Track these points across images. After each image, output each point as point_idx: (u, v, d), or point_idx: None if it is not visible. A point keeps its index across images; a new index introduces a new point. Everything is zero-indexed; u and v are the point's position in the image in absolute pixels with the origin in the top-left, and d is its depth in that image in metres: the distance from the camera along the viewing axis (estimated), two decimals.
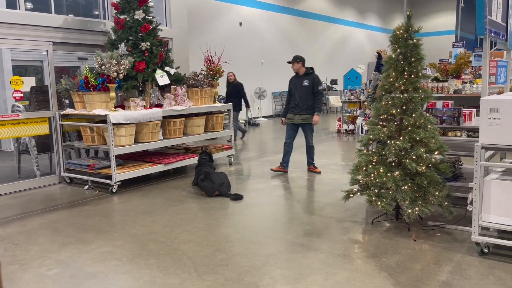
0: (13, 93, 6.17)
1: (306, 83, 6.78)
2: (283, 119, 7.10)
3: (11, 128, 6.12)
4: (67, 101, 6.89)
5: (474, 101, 5.10)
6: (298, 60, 6.86)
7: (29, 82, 6.50)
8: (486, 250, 3.63)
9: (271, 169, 7.15)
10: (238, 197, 5.56)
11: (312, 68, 6.98)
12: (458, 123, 4.43)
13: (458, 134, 5.07)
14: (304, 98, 6.77)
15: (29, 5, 7.42)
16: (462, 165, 5.09)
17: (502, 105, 3.45)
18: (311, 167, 7.13)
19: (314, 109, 6.81)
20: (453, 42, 15.82)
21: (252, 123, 15.10)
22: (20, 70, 9.94)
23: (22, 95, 6.24)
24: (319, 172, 7.00)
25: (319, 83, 6.87)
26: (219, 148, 7.89)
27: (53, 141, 6.65)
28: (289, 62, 6.97)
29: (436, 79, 7.18)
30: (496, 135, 3.49)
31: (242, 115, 15.57)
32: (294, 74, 6.96)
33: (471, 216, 3.64)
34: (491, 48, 6.76)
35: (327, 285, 3.17)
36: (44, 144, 6.84)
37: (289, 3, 18.69)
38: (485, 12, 3.80)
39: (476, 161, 3.56)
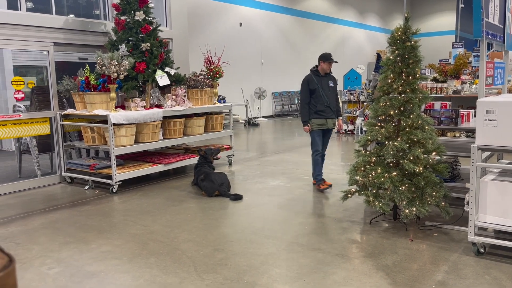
0: (14, 94, 6.21)
1: (331, 84, 6.04)
2: (309, 125, 5.96)
3: (13, 128, 6.16)
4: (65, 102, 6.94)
5: (473, 102, 5.13)
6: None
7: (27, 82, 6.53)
8: (482, 250, 3.67)
9: (319, 189, 5.95)
10: (237, 197, 5.60)
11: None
12: (455, 124, 4.47)
13: (457, 134, 5.10)
14: (333, 100, 6.01)
15: (30, 5, 7.45)
16: (460, 165, 5.13)
17: (498, 106, 3.48)
18: (325, 183, 6.03)
19: (339, 113, 6.17)
20: (452, 43, 15.83)
21: (252, 123, 15.15)
22: (21, 70, 9.98)
23: (23, 95, 6.28)
24: (324, 189, 5.97)
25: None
26: (218, 148, 7.92)
27: (54, 141, 6.69)
28: (334, 61, 6.00)
29: (435, 80, 7.22)
30: (492, 136, 3.53)
31: (243, 115, 15.66)
32: (312, 73, 6.04)
33: (468, 216, 3.68)
34: (489, 49, 6.79)
35: (324, 284, 3.21)
36: (45, 144, 6.89)
37: (289, 3, 18.73)
38: (481, 14, 3.83)
39: (473, 162, 3.59)
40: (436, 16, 28.24)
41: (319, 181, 6.02)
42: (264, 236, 4.24)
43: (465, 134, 5.12)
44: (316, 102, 5.95)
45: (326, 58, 5.97)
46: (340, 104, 5.89)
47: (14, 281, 0.57)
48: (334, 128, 6.14)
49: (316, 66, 6.09)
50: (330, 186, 6.01)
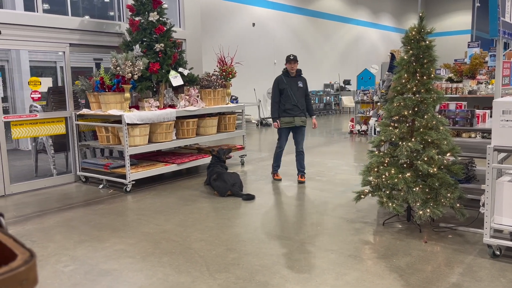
0: (31, 94, 6.33)
1: (300, 84, 6.45)
2: (278, 121, 6.41)
3: (29, 128, 6.27)
4: (83, 101, 7.03)
5: (489, 102, 5.06)
6: (297, 60, 6.50)
7: (46, 83, 6.64)
8: (498, 253, 3.61)
9: (275, 178, 6.68)
10: (250, 197, 5.61)
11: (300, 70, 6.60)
12: (471, 125, 4.41)
13: (473, 135, 5.03)
14: (301, 99, 6.43)
15: (46, 7, 7.57)
16: (475, 167, 5.06)
17: None
18: (302, 177, 6.54)
19: (311, 112, 6.62)
20: (468, 42, 15.61)
21: (264, 123, 15.15)
22: (37, 71, 10.15)
23: (39, 95, 6.39)
24: (304, 182, 6.49)
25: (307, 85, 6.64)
26: (230, 147, 7.94)
27: (69, 140, 6.79)
28: (294, 61, 6.37)
29: (450, 80, 7.13)
30: (509, 137, 3.47)
31: (255, 115, 15.68)
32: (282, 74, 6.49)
33: (483, 218, 3.63)
34: (505, 49, 6.68)
35: (337, 285, 3.20)
36: (60, 143, 6.99)
37: (302, 3, 18.68)
38: (498, 13, 3.78)
39: (488, 163, 3.54)
40: (452, 15, 27.88)
41: (275, 172, 6.76)
42: (276, 236, 4.24)
43: (481, 135, 5.05)
44: (284, 101, 6.40)
45: (286, 59, 6.47)
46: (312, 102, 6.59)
47: (35, 276, 0.58)
48: (303, 126, 6.50)
49: (286, 67, 6.53)
50: (280, 179, 6.70)
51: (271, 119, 15.82)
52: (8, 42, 6.05)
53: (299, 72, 6.51)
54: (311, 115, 6.62)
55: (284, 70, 6.52)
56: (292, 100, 6.36)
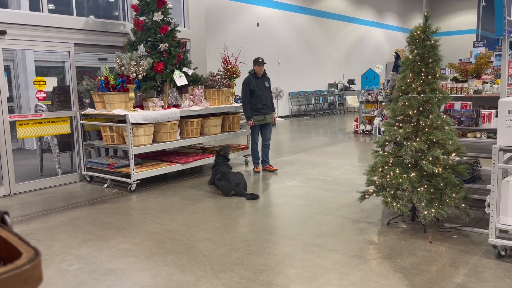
0: (36, 93, 6.36)
1: (267, 84, 7.15)
2: (252, 120, 7.03)
3: (35, 128, 6.30)
4: (87, 101, 7.06)
5: (494, 102, 5.03)
6: (265, 62, 7.13)
7: (51, 83, 6.68)
8: (504, 253, 3.59)
9: (255, 171, 7.27)
10: (254, 197, 5.61)
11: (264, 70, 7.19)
12: (476, 125, 4.39)
13: (478, 135, 5.01)
14: (269, 98, 7.15)
15: (51, 7, 7.61)
16: (480, 167, 5.03)
17: None
18: (268, 166, 7.30)
19: (273, 109, 7.26)
20: (473, 42, 15.52)
21: None
22: (42, 70, 10.20)
23: (45, 95, 6.42)
24: (275, 170, 7.22)
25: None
26: (235, 148, 7.95)
27: (74, 140, 6.82)
28: (262, 63, 7.03)
29: (455, 80, 7.10)
30: None
31: None
32: (249, 75, 7.09)
33: (489, 218, 3.61)
34: (511, 48, 6.64)
35: (341, 285, 3.19)
36: (65, 143, 7.02)
37: (306, 3, 18.66)
38: (503, 12, 3.75)
39: (494, 163, 3.52)
40: (457, 14, 27.75)
41: (256, 165, 7.32)
42: (280, 236, 4.24)
43: (486, 135, 5.02)
44: (255, 101, 7.03)
45: (255, 61, 7.06)
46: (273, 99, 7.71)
47: (40, 274, 0.59)
48: (271, 122, 7.24)
49: (253, 69, 7.09)
50: (259, 172, 7.24)
51: (280, 119, 15.78)
52: (14, 42, 6.09)
53: (264, 72, 7.19)
54: (273, 111, 7.31)
55: (251, 71, 7.11)
56: (262, 100, 7.07)
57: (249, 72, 7.14)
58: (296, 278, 3.32)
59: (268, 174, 7.11)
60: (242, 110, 8.24)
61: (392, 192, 4.23)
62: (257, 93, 7.00)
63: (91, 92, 6.64)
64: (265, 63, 7.10)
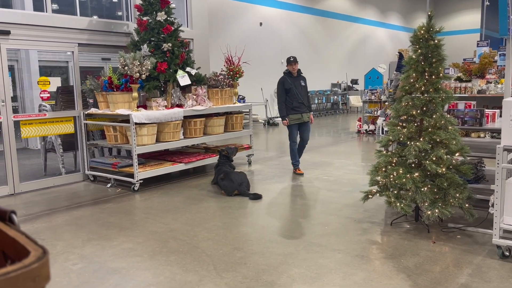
0: (40, 93, 6.38)
1: (303, 83, 7.04)
2: (287, 119, 6.91)
3: (38, 127, 6.33)
4: (91, 101, 7.08)
5: (498, 102, 5.02)
6: (297, 61, 7.04)
7: (55, 83, 6.70)
8: (508, 253, 3.58)
9: (296, 173, 7.08)
10: (257, 197, 5.61)
11: (300, 70, 7.14)
12: (480, 124, 4.37)
13: (482, 135, 4.99)
14: (305, 97, 7.02)
15: (55, 7, 7.64)
16: (484, 167, 5.01)
17: None
18: (299, 170, 7.11)
19: (310, 108, 7.14)
20: (477, 41, 15.46)
21: (271, 123, 15.15)
22: (46, 70, 10.23)
23: (48, 95, 6.44)
24: (302, 174, 7.02)
25: None
26: (238, 147, 7.95)
27: (78, 139, 6.84)
28: (294, 62, 6.89)
29: (459, 79, 7.08)
30: None
31: (262, 115, 15.68)
32: (285, 74, 7.01)
33: (493, 218, 3.60)
34: None
35: (344, 285, 3.19)
36: (69, 142, 7.05)
37: (309, 3, 18.64)
38: (508, 12, 3.74)
39: (498, 163, 3.51)
40: (460, 14, 27.65)
41: (296, 167, 7.15)
42: (283, 236, 4.24)
43: (490, 135, 5.00)
44: (291, 100, 6.91)
45: (287, 61, 7.00)
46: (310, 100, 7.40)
47: (48, 272, 0.59)
48: (309, 121, 7.06)
49: (287, 69, 7.04)
50: (302, 174, 7.01)
51: (279, 118, 15.85)
52: (18, 42, 6.11)
53: (299, 72, 7.05)
54: (310, 111, 7.14)
55: (286, 71, 7.03)
56: (298, 98, 6.90)
57: (284, 72, 7.06)
58: (299, 278, 3.32)
59: (267, 172, 7.11)
60: (245, 110, 8.27)
61: (395, 192, 4.22)
62: (293, 92, 6.86)
63: (94, 92, 6.66)
64: (297, 62, 6.97)
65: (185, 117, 6.78)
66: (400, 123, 4.30)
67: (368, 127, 11.90)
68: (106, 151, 7.68)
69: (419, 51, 4.14)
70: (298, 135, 7.09)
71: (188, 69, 6.97)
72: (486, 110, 4.52)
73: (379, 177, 4.35)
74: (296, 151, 7.12)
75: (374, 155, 4.58)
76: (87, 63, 9.03)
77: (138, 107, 6.35)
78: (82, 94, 6.85)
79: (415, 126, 4.20)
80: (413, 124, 4.20)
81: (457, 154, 4.12)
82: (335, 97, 19.85)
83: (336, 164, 7.86)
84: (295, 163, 7.15)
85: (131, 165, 6.19)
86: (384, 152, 4.45)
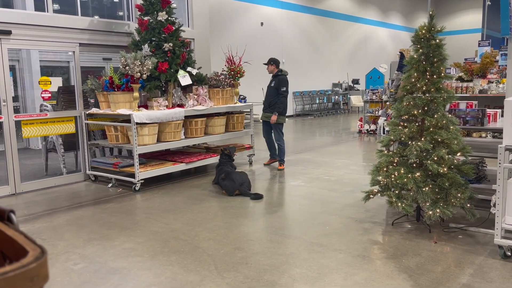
0: (41, 93, 6.38)
1: (272, 83, 7.36)
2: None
3: (40, 127, 6.33)
4: (92, 100, 7.09)
5: (500, 101, 5.00)
6: (271, 62, 7.34)
7: (56, 82, 6.70)
8: (509, 253, 3.57)
9: (264, 164, 7.72)
10: (258, 197, 5.61)
11: (281, 71, 7.39)
12: (482, 124, 4.36)
13: (483, 135, 4.98)
14: (268, 97, 7.37)
15: (56, 7, 7.64)
16: (486, 166, 5.00)
17: None
18: (272, 161, 7.71)
19: (274, 108, 7.27)
20: (479, 41, 15.44)
21: None
22: (47, 70, 10.24)
23: (50, 95, 6.44)
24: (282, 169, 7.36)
25: (283, 85, 7.30)
26: (239, 147, 7.95)
27: (79, 139, 6.84)
28: (267, 63, 7.39)
29: (460, 79, 7.07)
30: None
31: None
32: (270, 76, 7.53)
33: (494, 218, 3.59)
34: None
35: (345, 285, 3.19)
36: (70, 142, 7.05)
37: (310, 3, 18.63)
38: (509, 11, 3.73)
39: (500, 163, 3.50)
40: (462, 13, 27.63)
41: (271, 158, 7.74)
42: (285, 236, 4.23)
43: (492, 135, 4.99)
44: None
45: (277, 64, 7.50)
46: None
47: (46, 272, 0.59)
48: (264, 120, 7.53)
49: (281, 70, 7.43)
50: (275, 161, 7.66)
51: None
52: (19, 42, 6.11)
53: (277, 73, 7.44)
54: (270, 112, 7.41)
55: (285, 71, 7.48)
56: (266, 98, 7.56)
57: (283, 72, 7.47)
58: (301, 278, 3.31)
59: (268, 172, 7.11)
60: (246, 110, 8.26)
61: (396, 192, 4.21)
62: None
63: (95, 92, 6.66)
64: (272, 64, 7.39)
65: (186, 117, 6.78)
66: (402, 123, 4.29)
67: (369, 127, 11.89)
68: (107, 151, 7.68)
69: (421, 50, 4.13)
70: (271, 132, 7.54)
71: (189, 69, 6.97)
72: (488, 110, 4.51)
73: (380, 177, 4.34)
74: (272, 145, 7.64)
75: (375, 155, 4.57)
76: (88, 63, 9.03)
77: (139, 107, 6.35)
78: (83, 94, 6.85)
79: (417, 126, 4.19)
80: (414, 124, 4.19)
81: (458, 154, 4.11)
82: (336, 97, 19.84)
83: (337, 164, 7.85)
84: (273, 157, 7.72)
85: (132, 165, 6.18)
86: (386, 152, 4.44)
